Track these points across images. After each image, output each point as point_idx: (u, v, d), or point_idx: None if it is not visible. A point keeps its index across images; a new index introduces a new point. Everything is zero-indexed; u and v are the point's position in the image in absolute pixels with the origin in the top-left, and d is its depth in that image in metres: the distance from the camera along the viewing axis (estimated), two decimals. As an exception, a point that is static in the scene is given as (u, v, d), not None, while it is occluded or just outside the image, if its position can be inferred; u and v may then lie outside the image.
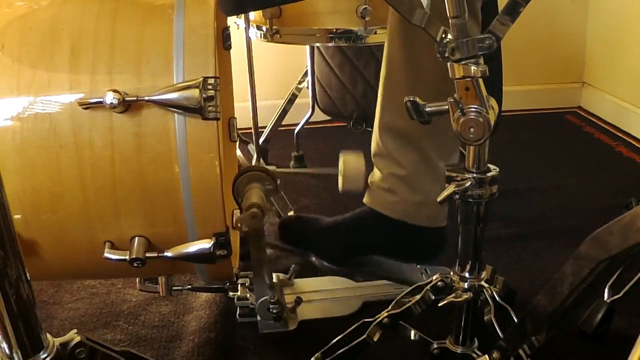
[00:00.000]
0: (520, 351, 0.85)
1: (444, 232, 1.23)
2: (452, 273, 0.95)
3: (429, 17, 0.80)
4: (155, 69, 0.88)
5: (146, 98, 0.85)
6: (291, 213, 1.52)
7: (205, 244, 0.91)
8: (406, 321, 1.01)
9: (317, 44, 1.73)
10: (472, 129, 0.81)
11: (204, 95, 0.85)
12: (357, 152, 1.20)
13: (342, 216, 1.31)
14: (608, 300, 1.13)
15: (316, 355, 1.03)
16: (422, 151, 1.19)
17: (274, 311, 1.11)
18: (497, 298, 0.91)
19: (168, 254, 0.91)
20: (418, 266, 1.32)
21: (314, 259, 1.31)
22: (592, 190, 1.77)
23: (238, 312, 1.21)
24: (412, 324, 1.03)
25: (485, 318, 0.92)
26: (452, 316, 0.97)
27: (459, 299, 0.92)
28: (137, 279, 1.18)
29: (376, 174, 1.26)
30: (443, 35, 0.79)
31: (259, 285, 1.11)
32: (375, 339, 0.99)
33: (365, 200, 1.27)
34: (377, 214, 1.24)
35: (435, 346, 1.00)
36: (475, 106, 0.80)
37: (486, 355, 0.88)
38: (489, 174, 0.86)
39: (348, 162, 1.17)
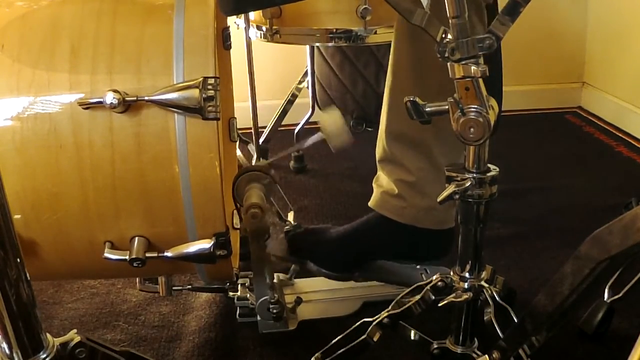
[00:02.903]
0: (520, 351, 0.85)
1: (452, 232, 1.23)
2: (452, 273, 0.95)
3: (429, 17, 0.80)
4: (155, 69, 0.88)
5: (146, 98, 0.85)
6: (291, 213, 1.51)
7: (205, 244, 0.91)
8: (406, 321, 1.01)
9: (317, 44, 1.73)
10: (472, 129, 0.81)
11: (204, 95, 0.85)
12: (332, 108, 1.18)
13: (349, 225, 1.29)
14: (608, 300, 1.13)
15: (316, 355, 1.03)
16: (430, 157, 1.18)
17: (274, 311, 1.11)
18: (497, 298, 0.91)
19: (168, 254, 0.91)
20: (418, 267, 1.32)
21: (312, 265, 1.31)
22: (592, 190, 1.77)
23: (238, 312, 1.21)
24: (412, 324, 1.03)
25: (485, 318, 0.91)
26: (452, 316, 0.97)
27: (459, 299, 0.92)
28: (137, 279, 1.18)
29: (383, 180, 1.25)
30: (443, 35, 0.79)
31: (259, 285, 1.11)
32: (375, 339, 0.99)
33: (371, 204, 1.26)
34: (385, 220, 1.23)
35: (435, 346, 1.00)
36: (475, 106, 0.80)
37: (486, 355, 0.88)
38: (489, 174, 0.86)
39: (326, 121, 1.15)
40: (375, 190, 1.27)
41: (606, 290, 1.14)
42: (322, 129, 1.13)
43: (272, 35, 1.52)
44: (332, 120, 1.13)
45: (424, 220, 1.21)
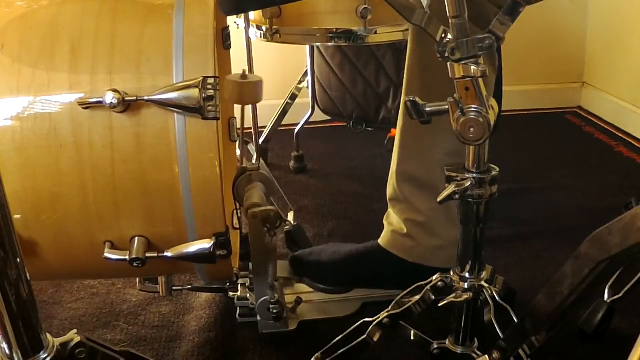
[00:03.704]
0: (520, 351, 0.85)
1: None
2: (452, 273, 0.95)
3: (429, 17, 0.80)
4: (155, 69, 0.88)
5: (146, 98, 0.85)
6: (291, 213, 1.52)
7: (205, 244, 0.91)
8: (406, 321, 1.01)
9: (317, 44, 1.73)
10: (472, 129, 0.81)
11: (203, 95, 0.85)
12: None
13: (352, 249, 1.30)
14: (608, 300, 1.13)
15: (316, 355, 1.03)
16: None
17: (274, 311, 1.11)
18: (497, 298, 0.91)
19: (168, 254, 0.91)
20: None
21: (308, 281, 1.31)
22: (592, 190, 1.77)
23: (238, 312, 1.21)
24: (412, 324, 1.03)
25: (485, 318, 0.92)
26: (452, 316, 0.97)
27: (459, 299, 0.92)
28: (137, 279, 1.18)
29: (393, 218, 1.26)
30: (443, 35, 0.79)
31: (259, 285, 1.11)
32: (375, 339, 0.99)
33: (381, 242, 1.27)
34: (391, 255, 1.24)
35: (435, 346, 1.01)
36: (475, 106, 0.80)
37: (486, 355, 0.88)
38: (489, 174, 0.86)
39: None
40: (385, 227, 1.28)
41: (606, 290, 1.14)
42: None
43: (272, 35, 1.52)
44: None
45: (431, 259, 1.22)
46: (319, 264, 1.30)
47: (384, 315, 0.99)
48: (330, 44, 1.60)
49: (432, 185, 1.18)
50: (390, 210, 1.27)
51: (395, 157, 1.23)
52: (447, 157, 1.15)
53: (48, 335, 0.69)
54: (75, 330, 0.73)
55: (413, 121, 1.16)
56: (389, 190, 1.26)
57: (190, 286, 1.22)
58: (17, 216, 0.88)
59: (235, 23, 1.61)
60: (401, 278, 1.23)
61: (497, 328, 0.89)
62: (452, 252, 1.22)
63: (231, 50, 1.23)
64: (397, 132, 1.23)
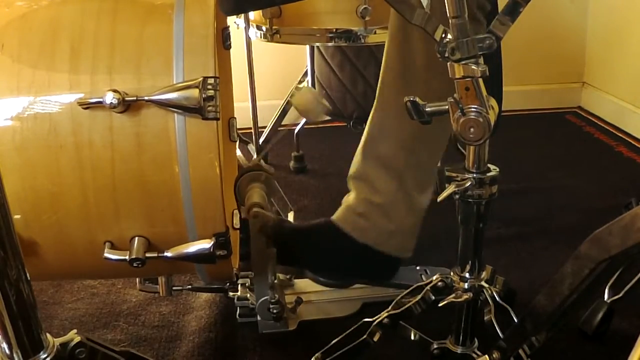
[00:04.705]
0: (520, 351, 0.85)
1: (400, 262, 1.21)
2: (452, 273, 0.95)
3: (429, 17, 0.80)
4: (155, 69, 0.88)
5: (146, 98, 0.85)
6: (291, 213, 1.52)
7: (205, 244, 0.91)
8: (406, 321, 1.01)
9: (317, 44, 1.73)
10: (472, 129, 0.81)
11: (203, 95, 0.85)
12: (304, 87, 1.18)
13: (303, 224, 1.27)
14: (608, 300, 1.13)
15: (316, 355, 1.03)
16: (401, 182, 1.16)
17: (274, 311, 1.11)
18: (497, 298, 0.91)
19: (168, 254, 0.91)
20: (418, 267, 1.32)
21: (309, 274, 1.30)
22: (592, 190, 1.77)
23: (238, 312, 1.21)
24: (412, 324, 1.03)
25: (485, 318, 0.92)
26: (452, 316, 0.97)
27: (459, 299, 0.92)
28: (137, 279, 1.18)
29: (351, 196, 1.22)
30: (443, 35, 0.79)
31: (259, 285, 1.11)
32: (375, 339, 1.00)
33: (334, 217, 1.22)
34: (342, 233, 1.19)
35: (435, 346, 1.01)
36: (475, 106, 0.80)
37: (486, 355, 0.88)
38: (489, 174, 0.86)
39: (298, 99, 1.14)
40: (342, 205, 1.23)
41: (606, 290, 1.14)
42: (296, 107, 1.12)
43: (272, 35, 1.52)
44: (304, 97, 1.12)
45: (382, 244, 1.18)
46: (277, 238, 1.23)
47: (384, 315, 0.99)
48: (330, 44, 1.59)
49: (396, 167, 1.16)
50: (350, 191, 1.23)
51: (365, 135, 1.20)
52: (414, 141, 1.13)
53: (48, 335, 0.69)
54: (75, 330, 0.73)
55: (385, 101, 1.17)
56: (352, 168, 1.22)
57: (190, 286, 1.22)
58: (17, 216, 0.88)
59: (235, 23, 1.61)
60: (347, 258, 1.20)
61: (497, 328, 0.89)
62: (404, 240, 1.19)
63: (231, 50, 1.23)
64: (371, 113, 1.20)
